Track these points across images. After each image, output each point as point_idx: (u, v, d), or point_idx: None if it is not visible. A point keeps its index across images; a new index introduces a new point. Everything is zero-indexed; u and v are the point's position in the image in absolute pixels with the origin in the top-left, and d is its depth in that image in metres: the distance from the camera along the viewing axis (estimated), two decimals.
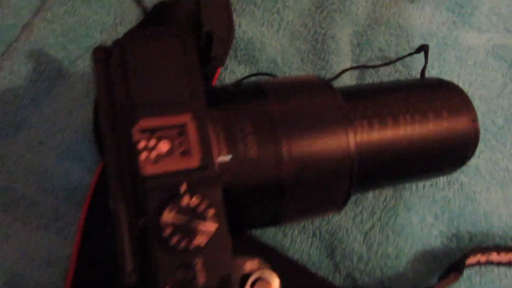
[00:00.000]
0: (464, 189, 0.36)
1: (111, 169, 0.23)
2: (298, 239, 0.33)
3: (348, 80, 0.38)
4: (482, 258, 0.33)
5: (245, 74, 0.37)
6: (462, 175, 0.36)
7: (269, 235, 0.33)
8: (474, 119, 0.31)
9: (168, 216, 0.21)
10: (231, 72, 0.37)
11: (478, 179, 0.36)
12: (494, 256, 0.34)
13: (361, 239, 0.33)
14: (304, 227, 0.33)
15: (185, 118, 0.23)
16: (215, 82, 0.36)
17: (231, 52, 0.37)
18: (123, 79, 0.23)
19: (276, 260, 0.31)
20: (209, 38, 0.28)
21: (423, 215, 0.35)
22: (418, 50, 0.37)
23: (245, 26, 0.38)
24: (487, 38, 0.41)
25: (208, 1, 0.34)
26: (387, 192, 0.35)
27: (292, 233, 0.33)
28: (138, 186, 0.22)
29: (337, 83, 0.37)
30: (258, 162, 0.25)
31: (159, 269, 0.21)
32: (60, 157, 0.33)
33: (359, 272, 0.33)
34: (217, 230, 0.21)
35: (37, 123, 0.34)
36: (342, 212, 0.34)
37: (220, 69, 0.36)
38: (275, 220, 0.27)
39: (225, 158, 0.24)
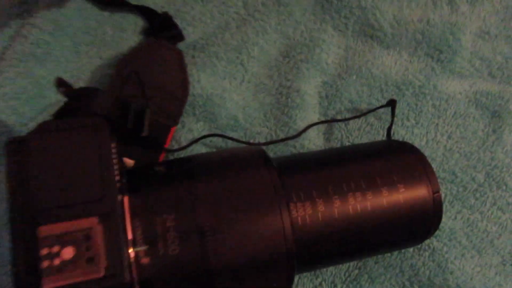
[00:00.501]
0: (436, 256, 0.33)
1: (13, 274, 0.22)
2: None
3: (315, 135, 0.36)
4: None
5: (204, 132, 0.35)
6: (434, 240, 0.34)
7: None
8: (436, 191, 0.28)
9: None
10: (189, 130, 0.35)
11: (453, 244, 0.34)
12: None
13: None
14: None
15: (91, 222, 0.21)
16: (169, 142, 0.34)
17: (189, 109, 0.36)
18: (29, 177, 0.22)
19: None
20: (141, 117, 0.27)
21: (388, 286, 0.32)
22: (387, 104, 0.35)
23: (205, 81, 0.36)
24: (470, 84, 0.38)
25: (158, 59, 0.33)
26: (348, 263, 0.33)
27: None
28: None
29: (301, 140, 0.35)
30: (179, 259, 0.23)
31: None
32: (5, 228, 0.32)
33: None
34: None
35: None
36: (300, 284, 0.32)
37: (175, 128, 0.34)
38: None
39: (143, 258, 0.23)
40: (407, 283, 0.32)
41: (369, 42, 0.39)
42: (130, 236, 0.22)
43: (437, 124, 0.37)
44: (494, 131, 0.37)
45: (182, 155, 0.35)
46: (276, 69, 0.38)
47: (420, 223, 0.28)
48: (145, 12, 0.38)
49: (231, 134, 0.35)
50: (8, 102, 0.35)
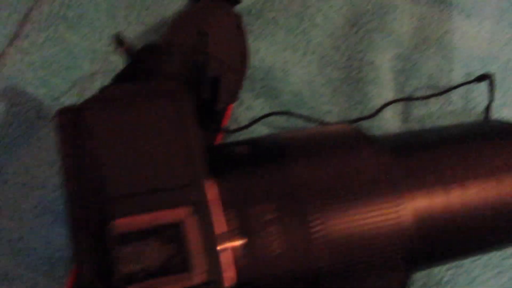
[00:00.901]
0: None
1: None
2: None
3: (390, 115, 0.31)
4: None
5: (265, 110, 0.30)
6: None
7: None
8: None
9: None
10: (248, 108, 0.30)
11: None
12: None
13: None
14: None
15: (180, 214, 0.16)
16: (227, 122, 0.29)
17: (248, 84, 0.31)
18: (92, 158, 0.17)
19: None
20: (214, 85, 0.21)
21: (488, 286, 0.28)
22: (478, 79, 0.30)
23: (264, 51, 0.31)
24: None
25: (214, 25, 0.27)
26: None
27: None
28: None
29: (377, 121, 0.30)
30: (283, 257, 0.18)
31: None
32: (38, 221, 0.27)
33: None
34: None
35: (13, 176, 0.28)
36: None
37: (232, 106, 0.29)
38: None
39: (241, 259, 0.18)
40: (507, 283, 0.28)
41: (447, 11, 0.34)
42: (225, 231, 0.18)
43: None
44: None
45: (241, 137, 0.30)
46: (343, 39, 0.33)
47: None
48: None
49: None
50: (36, 72, 0.29)
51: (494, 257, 0.28)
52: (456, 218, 0.22)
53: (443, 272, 0.28)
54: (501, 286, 0.28)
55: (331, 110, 0.31)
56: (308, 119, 0.29)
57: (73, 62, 0.30)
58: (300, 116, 0.29)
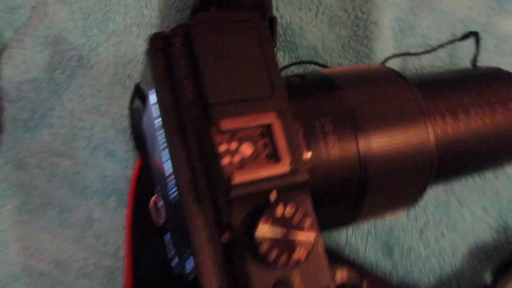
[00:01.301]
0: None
1: (182, 175, 0.20)
2: (353, 239, 0.31)
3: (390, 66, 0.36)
4: None
5: (285, 62, 0.34)
6: (508, 168, 0.35)
7: (323, 235, 0.31)
8: None
9: (263, 229, 0.18)
10: None
11: None
12: None
13: (417, 236, 0.32)
14: (358, 226, 0.31)
15: (270, 118, 0.20)
16: None
17: None
18: (192, 73, 0.20)
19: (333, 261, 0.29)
20: (271, 23, 0.25)
21: (473, 209, 0.34)
22: (465, 37, 0.36)
23: (283, 10, 0.35)
24: None
25: None
26: (437, 187, 0.34)
27: (346, 232, 0.31)
28: (219, 195, 0.19)
29: None
30: (340, 162, 0.22)
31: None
32: (91, 157, 0.29)
33: (418, 271, 0.31)
34: (315, 241, 0.19)
35: (60, 119, 0.30)
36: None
37: None
38: (350, 220, 0.25)
39: (306, 157, 0.21)
40: (488, 205, 0.34)
41: None
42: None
43: (499, 63, 0.38)
44: None
45: None
46: (350, 2, 0.37)
47: None
48: None
49: (311, 66, 0.35)
50: (76, 22, 0.31)
51: (478, 184, 0.34)
52: (464, 141, 0.27)
53: (440, 195, 0.33)
54: (484, 208, 0.34)
55: (342, 62, 0.35)
56: (326, 67, 0.33)
57: (108, 15, 0.32)
58: (321, 65, 0.33)
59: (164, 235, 0.26)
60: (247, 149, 0.19)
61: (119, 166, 0.29)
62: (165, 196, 0.24)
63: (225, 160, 0.19)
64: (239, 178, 0.18)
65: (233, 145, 0.19)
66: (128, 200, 0.28)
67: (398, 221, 0.32)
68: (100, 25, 0.32)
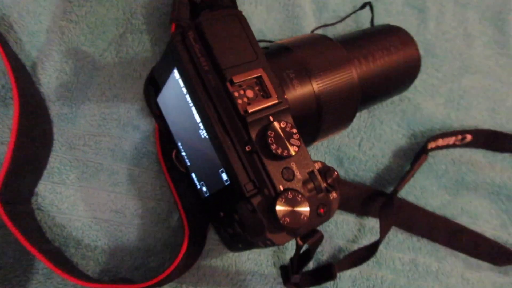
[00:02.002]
0: (412, 102, 0.50)
1: (212, 118, 0.31)
2: (317, 157, 0.44)
3: None
4: (433, 144, 0.48)
5: None
6: (408, 93, 0.50)
7: None
8: (417, 48, 0.44)
9: (271, 134, 0.30)
10: None
11: (418, 94, 0.51)
12: (440, 142, 0.48)
13: (357, 149, 0.46)
14: (317, 149, 0.45)
15: (259, 72, 0.32)
16: None
17: None
18: (205, 52, 0.31)
19: None
20: None
21: (390, 125, 0.48)
22: (362, 7, 0.50)
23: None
24: None
25: None
26: (364, 114, 0.48)
27: (310, 153, 0.44)
28: (239, 122, 0.31)
29: None
30: (303, 97, 0.35)
31: (271, 174, 0.30)
32: (123, 131, 0.39)
33: (362, 171, 0.45)
34: (300, 142, 0.31)
35: (90, 109, 0.40)
36: (339, 134, 0.46)
37: None
38: (313, 138, 0.38)
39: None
40: (399, 121, 0.49)
41: None
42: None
43: (389, 21, 0.53)
44: (422, 21, 0.55)
45: None
46: None
47: (413, 67, 0.44)
48: None
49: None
50: (86, 36, 0.41)
51: (390, 107, 0.49)
52: (375, 75, 0.41)
53: (366, 119, 0.47)
54: (397, 123, 0.49)
55: (283, 37, 0.48)
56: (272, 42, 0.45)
57: (106, 27, 0.42)
58: (269, 41, 0.45)
59: (190, 175, 0.37)
60: (250, 93, 0.31)
61: (144, 135, 0.40)
62: (191, 142, 0.35)
63: (239, 101, 0.31)
64: (250, 109, 0.30)
65: (242, 91, 0.31)
66: (159, 156, 0.39)
67: (343, 140, 0.46)
68: (102, 36, 0.42)
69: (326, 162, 0.43)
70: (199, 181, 0.37)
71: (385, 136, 0.48)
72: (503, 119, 0.53)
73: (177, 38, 0.32)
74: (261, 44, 0.37)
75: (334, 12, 0.52)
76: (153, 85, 0.39)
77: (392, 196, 0.42)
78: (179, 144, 0.37)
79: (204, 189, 0.36)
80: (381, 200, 0.44)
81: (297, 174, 0.31)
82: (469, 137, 0.49)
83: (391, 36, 0.44)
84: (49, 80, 0.39)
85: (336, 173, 0.33)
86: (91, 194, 0.37)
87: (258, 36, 0.46)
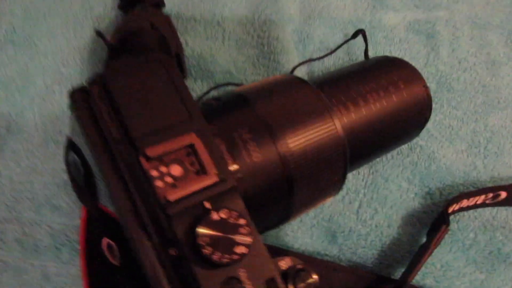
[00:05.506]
0: (425, 151, 0.39)
1: (123, 207, 0.22)
2: (299, 233, 0.34)
3: (299, 74, 0.40)
4: (456, 207, 0.37)
5: (204, 90, 0.37)
6: (419, 140, 0.40)
7: (271, 237, 0.33)
8: (425, 85, 0.34)
9: (203, 234, 0.20)
10: (190, 90, 0.36)
11: (433, 140, 0.40)
12: (464, 203, 0.37)
13: (355, 218, 0.35)
14: (301, 221, 0.34)
15: (191, 138, 0.22)
16: None
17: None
18: (113, 115, 0.22)
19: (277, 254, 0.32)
20: (178, 58, 0.28)
21: (398, 182, 0.38)
22: (354, 36, 0.40)
23: (192, 43, 0.38)
24: (403, 16, 0.46)
25: (157, 21, 0.34)
26: (363, 170, 0.37)
27: (292, 229, 0.34)
28: (159, 215, 0.21)
29: None
30: (264, 164, 0.25)
31: None
32: (37, 216, 0.30)
33: (361, 249, 0.34)
34: (253, 237, 0.21)
35: (1, 187, 0.31)
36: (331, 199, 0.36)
37: None
38: (286, 217, 0.28)
39: (233, 167, 0.24)
40: (410, 176, 0.38)
41: None
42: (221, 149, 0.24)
43: (390, 51, 0.44)
44: (432, 49, 0.45)
45: None
46: (250, 24, 0.41)
47: (420, 110, 0.34)
48: None
49: (229, 87, 0.38)
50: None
51: (397, 160, 0.38)
52: (367, 123, 0.31)
53: (366, 176, 0.37)
54: (406, 179, 0.38)
55: (256, 79, 0.39)
56: (241, 85, 0.36)
57: (28, 79, 0.34)
58: (238, 84, 0.36)
59: (126, 272, 0.27)
60: (176, 170, 0.22)
61: (66, 218, 0.30)
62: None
63: (158, 183, 0.21)
64: (173, 196, 0.21)
65: (163, 169, 0.22)
66: (80, 248, 0.29)
67: (336, 208, 0.35)
68: (21, 90, 0.33)
69: (314, 238, 0.33)
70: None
71: (392, 198, 0.37)
72: None
73: (75, 96, 0.23)
74: (223, 90, 0.27)
75: (321, 43, 0.42)
76: (76, 152, 0.30)
77: (403, 285, 0.32)
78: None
79: None
80: None
81: (248, 286, 0.21)
82: (503, 194, 0.37)
83: (390, 71, 0.34)
84: None
85: (313, 276, 0.23)
86: None
87: (225, 78, 0.37)
